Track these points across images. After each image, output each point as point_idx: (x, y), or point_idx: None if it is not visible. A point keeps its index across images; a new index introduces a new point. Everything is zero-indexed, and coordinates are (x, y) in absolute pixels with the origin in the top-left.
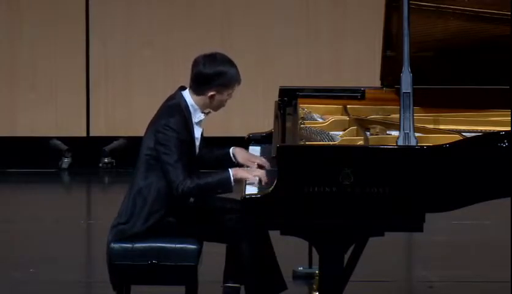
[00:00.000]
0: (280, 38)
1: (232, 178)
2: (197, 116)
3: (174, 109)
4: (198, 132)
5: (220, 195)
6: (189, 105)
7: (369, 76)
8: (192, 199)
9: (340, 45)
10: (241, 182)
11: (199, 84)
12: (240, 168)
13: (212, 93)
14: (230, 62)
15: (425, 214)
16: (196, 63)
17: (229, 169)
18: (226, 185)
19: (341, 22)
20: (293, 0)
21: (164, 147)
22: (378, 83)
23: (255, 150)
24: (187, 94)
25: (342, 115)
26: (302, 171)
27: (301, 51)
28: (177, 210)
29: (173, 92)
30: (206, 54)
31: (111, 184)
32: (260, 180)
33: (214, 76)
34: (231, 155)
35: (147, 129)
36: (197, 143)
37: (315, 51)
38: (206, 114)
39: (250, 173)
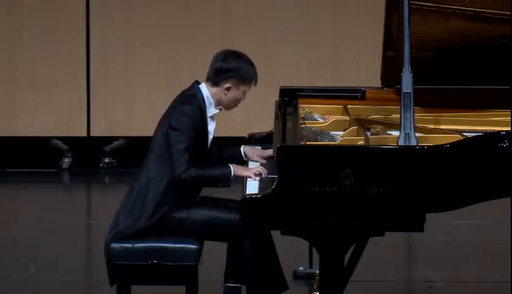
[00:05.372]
0: (281, 38)
1: (232, 174)
2: (211, 110)
3: (191, 98)
4: (211, 126)
5: (220, 196)
6: (205, 97)
7: (369, 76)
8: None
9: (341, 45)
10: (242, 181)
11: (217, 75)
12: (240, 166)
13: (228, 85)
14: (251, 62)
15: (426, 214)
16: (218, 55)
17: (230, 165)
18: (226, 180)
19: (341, 23)
20: (293, 0)
21: (176, 132)
22: (378, 83)
23: None
24: (203, 87)
25: (342, 115)
26: (303, 171)
27: (301, 51)
28: (181, 207)
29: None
30: (230, 49)
31: (112, 184)
32: (260, 174)
33: (233, 69)
34: (242, 154)
35: (161, 120)
36: (210, 136)
37: (316, 51)
38: (219, 110)
39: (250, 171)
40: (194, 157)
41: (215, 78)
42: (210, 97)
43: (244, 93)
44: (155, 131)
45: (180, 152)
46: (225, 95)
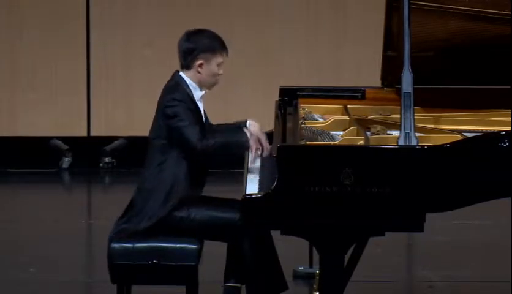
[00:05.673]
0: (281, 38)
1: (249, 135)
2: (197, 94)
3: (176, 86)
4: (201, 108)
5: (220, 196)
6: (188, 83)
7: (370, 77)
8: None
9: (341, 46)
10: (242, 181)
11: (186, 57)
12: (252, 136)
13: (199, 62)
14: (214, 33)
15: (426, 214)
16: (180, 39)
17: (246, 131)
18: (242, 147)
19: (341, 23)
20: (293, 1)
21: (175, 118)
22: (378, 83)
23: None
24: (183, 74)
25: (342, 115)
26: (303, 171)
27: (301, 52)
28: (182, 206)
29: None
30: (189, 29)
31: (112, 184)
32: (262, 151)
33: (197, 45)
34: (248, 126)
35: (154, 117)
36: (203, 116)
37: (316, 51)
38: (204, 92)
39: (257, 144)
40: (202, 129)
41: (185, 60)
42: (192, 82)
43: (218, 65)
44: (150, 130)
45: (188, 128)
46: (200, 73)
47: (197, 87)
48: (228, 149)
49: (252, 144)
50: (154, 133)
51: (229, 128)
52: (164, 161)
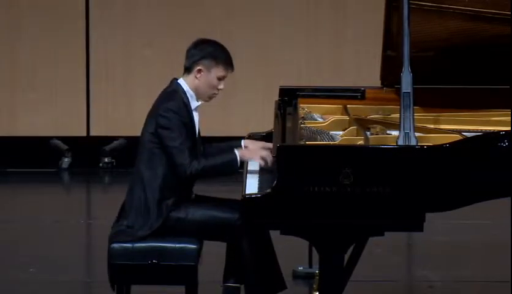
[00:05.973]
0: (281, 38)
1: (239, 159)
2: (193, 103)
3: (173, 94)
4: (196, 118)
5: (219, 196)
6: (185, 90)
7: (370, 77)
8: (193, 195)
9: (341, 46)
10: (241, 181)
11: (189, 60)
12: (246, 150)
13: (199, 67)
14: (222, 46)
15: (426, 213)
16: (190, 45)
17: (236, 151)
18: (232, 166)
19: (341, 23)
20: (293, 1)
21: (167, 131)
22: (378, 83)
23: None
24: (181, 81)
25: (342, 115)
26: (302, 171)
27: (301, 51)
28: (180, 206)
29: None
30: (201, 38)
31: (111, 184)
32: (266, 162)
33: (203, 51)
34: (243, 147)
35: (147, 119)
36: (197, 128)
37: (316, 51)
38: (201, 102)
39: (256, 154)
40: (191, 149)
41: (188, 63)
42: (189, 89)
43: (219, 80)
44: (142, 131)
45: (178, 149)
46: (198, 79)
47: (194, 96)
48: (218, 171)
49: (255, 157)
50: (145, 135)
51: (221, 150)
52: (153, 165)
